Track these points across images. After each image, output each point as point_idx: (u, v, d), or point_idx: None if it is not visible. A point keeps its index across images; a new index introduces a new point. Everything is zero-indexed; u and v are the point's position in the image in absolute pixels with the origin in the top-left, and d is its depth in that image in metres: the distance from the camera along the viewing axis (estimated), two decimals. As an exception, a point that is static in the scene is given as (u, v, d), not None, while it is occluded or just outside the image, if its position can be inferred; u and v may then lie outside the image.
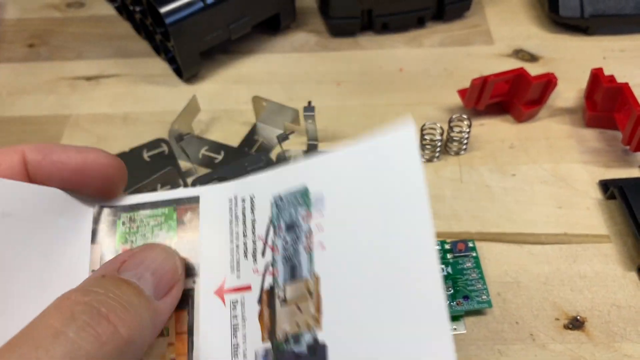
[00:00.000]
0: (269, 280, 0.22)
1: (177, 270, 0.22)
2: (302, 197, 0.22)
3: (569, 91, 0.45)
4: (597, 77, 0.40)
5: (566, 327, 0.32)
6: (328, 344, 0.20)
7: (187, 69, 0.46)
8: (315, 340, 0.20)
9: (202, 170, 0.40)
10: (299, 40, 0.51)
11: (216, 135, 0.43)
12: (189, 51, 0.45)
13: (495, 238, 0.36)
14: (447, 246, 0.35)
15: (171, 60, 0.48)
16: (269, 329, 0.22)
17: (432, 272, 0.19)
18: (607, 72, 0.41)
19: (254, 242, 0.23)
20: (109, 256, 0.24)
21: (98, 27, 0.53)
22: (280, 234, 0.22)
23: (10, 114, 0.46)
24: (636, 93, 0.39)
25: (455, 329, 0.32)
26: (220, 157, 0.41)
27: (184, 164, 0.41)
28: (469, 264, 0.34)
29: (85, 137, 0.44)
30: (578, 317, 0.33)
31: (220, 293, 0.23)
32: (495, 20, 0.51)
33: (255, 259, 0.23)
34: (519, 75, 0.40)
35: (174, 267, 0.22)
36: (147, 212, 0.25)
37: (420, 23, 0.51)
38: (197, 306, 0.23)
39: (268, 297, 0.22)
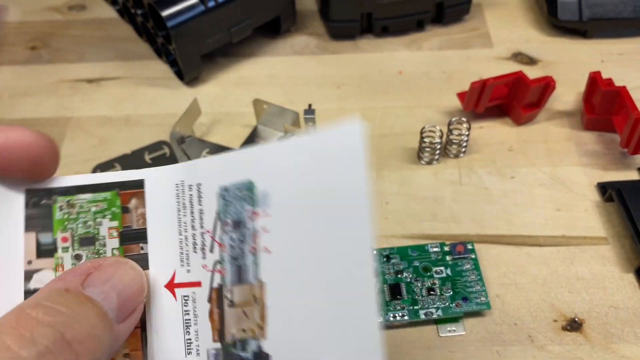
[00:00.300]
0: (217, 279, 0.21)
1: (143, 292, 0.21)
2: (248, 191, 0.21)
3: (568, 94, 0.45)
4: (595, 81, 0.41)
5: (564, 328, 0.33)
6: (272, 354, 0.20)
7: (188, 72, 0.46)
8: (260, 349, 0.20)
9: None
10: (300, 43, 0.51)
11: (217, 137, 0.43)
12: (190, 54, 0.45)
13: (494, 240, 0.37)
14: (446, 248, 0.35)
15: (172, 63, 0.48)
16: (219, 330, 0.21)
17: (366, 283, 0.18)
18: (605, 76, 0.41)
19: (202, 236, 0.22)
20: (46, 246, 0.22)
21: (99, 30, 0.53)
22: (227, 230, 0.21)
23: (12, 116, 0.46)
24: (634, 96, 0.39)
25: (454, 330, 0.33)
26: (221, 160, 0.41)
27: (185, 166, 0.41)
28: (467, 266, 0.35)
29: (86, 139, 0.44)
30: (576, 319, 0.33)
31: (170, 287, 0.22)
32: (494, 24, 0.51)
33: (204, 254, 0.22)
34: (518, 79, 0.41)
35: (140, 289, 0.21)
36: (88, 196, 0.23)
37: (419, 26, 0.51)
38: (148, 299, 0.22)
39: (217, 296, 0.21)
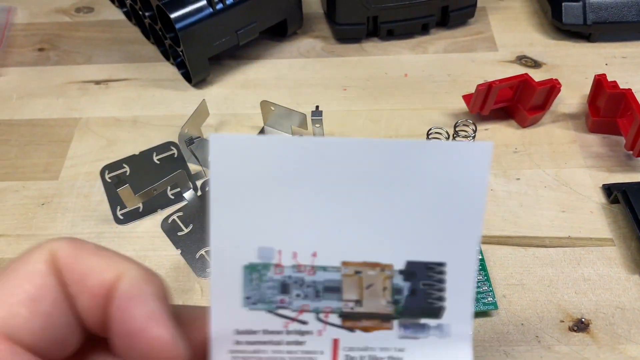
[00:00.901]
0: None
1: None
2: None
3: (572, 97, 0.45)
4: (600, 83, 0.41)
5: (571, 329, 0.33)
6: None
7: (195, 74, 0.47)
8: None
9: (211, 173, 0.41)
10: (306, 46, 0.51)
11: (224, 139, 0.44)
12: (198, 56, 0.45)
13: (500, 241, 0.37)
14: (453, 249, 0.36)
15: (180, 65, 0.48)
16: None
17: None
18: (609, 79, 0.42)
19: None
20: None
21: (107, 32, 0.54)
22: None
23: (21, 117, 0.47)
24: (639, 99, 0.39)
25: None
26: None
27: (193, 167, 0.41)
28: (475, 267, 0.35)
29: (95, 140, 0.44)
30: (583, 319, 0.33)
31: None
32: (498, 27, 0.52)
33: None
34: (524, 81, 0.41)
35: None
36: None
37: (424, 30, 0.51)
38: None
39: None
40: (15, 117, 0.47)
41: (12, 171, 0.43)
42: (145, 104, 0.47)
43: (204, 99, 0.42)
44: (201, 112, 0.42)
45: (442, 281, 0.23)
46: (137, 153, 0.43)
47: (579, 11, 0.48)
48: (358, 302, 0.22)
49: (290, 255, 0.22)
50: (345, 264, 0.22)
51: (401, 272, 0.22)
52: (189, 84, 0.48)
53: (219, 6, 0.44)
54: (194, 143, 0.40)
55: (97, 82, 0.49)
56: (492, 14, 0.53)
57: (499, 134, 0.43)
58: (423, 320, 0.23)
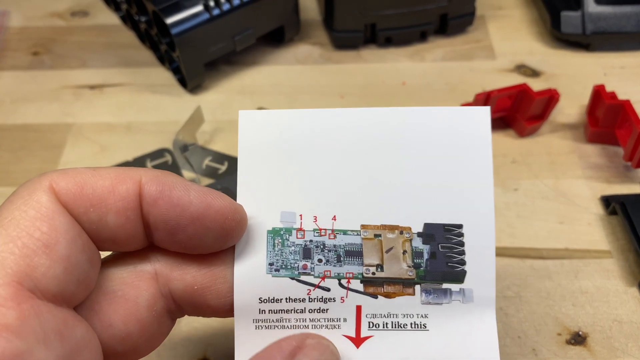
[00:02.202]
0: None
1: None
2: None
3: (571, 107, 0.45)
4: (599, 94, 0.41)
5: (568, 342, 0.33)
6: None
7: (191, 80, 0.46)
8: None
9: (206, 181, 0.40)
10: (303, 53, 0.51)
11: (220, 145, 0.43)
12: (194, 62, 0.45)
13: (497, 252, 0.36)
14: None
15: (175, 71, 0.48)
16: None
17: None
18: (607, 89, 0.41)
19: None
20: None
21: (102, 36, 0.53)
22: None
23: (13, 122, 0.46)
24: (637, 110, 0.39)
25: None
26: (224, 168, 0.41)
27: (187, 174, 0.41)
28: (471, 278, 0.34)
29: (88, 146, 0.44)
30: (580, 333, 0.33)
31: None
32: (497, 36, 0.52)
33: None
34: (522, 91, 0.41)
35: None
36: None
37: (423, 37, 0.51)
38: None
39: None
40: (7, 122, 0.46)
41: (3, 177, 0.42)
42: (140, 109, 0.47)
43: (199, 106, 0.42)
44: (196, 118, 0.42)
45: (461, 244, 0.23)
46: (130, 159, 0.42)
47: (577, 21, 0.48)
48: (379, 266, 0.23)
49: (311, 219, 0.23)
50: (364, 226, 0.23)
51: (419, 234, 0.23)
52: (185, 89, 0.48)
53: (216, 12, 0.44)
54: (189, 150, 0.40)
55: (92, 87, 0.49)
56: (491, 23, 0.53)
57: (497, 144, 0.43)
58: (445, 286, 0.23)
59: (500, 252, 0.37)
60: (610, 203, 0.38)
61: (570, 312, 0.34)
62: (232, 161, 0.41)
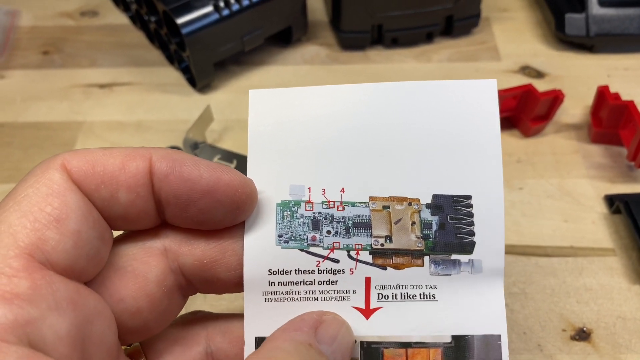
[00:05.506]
0: None
1: (352, 350, 0.22)
2: None
3: (575, 107, 0.46)
4: (603, 95, 0.41)
5: (573, 338, 0.33)
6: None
7: (200, 79, 0.47)
8: None
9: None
10: (310, 53, 0.51)
11: (229, 144, 0.44)
12: (203, 61, 0.46)
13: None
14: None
15: (185, 70, 0.49)
16: None
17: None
18: (611, 90, 0.42)
19: None
20: None
21: (111, 36, 0.54)
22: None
23: (24, 120, 0.47)
24: (641, 111, 0.40)
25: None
26: (233, 166, 0.42)
27: (197, 172, 0.41)
28: (477, 275, 0.35)
29: (98, 144, 0.44)
30: (584, 329, 0.33)
31: None
32: (502, 38, 0.52)
33: None
34: (527, 91, 0.41)
35: (352, 347, 0.22)
36: None
37: (429, 38, 0.52)
38: None
39: None
40: (19, 120, 0.47)
41: (15, 174, 0.43)
42: (149, 108, 0.47)
43: (209, 105, 0.42)
44: (206, 117, 0.42)
45: (470, 215, 0.23)
46: (141, 157, 0.43)
47: (581, 23, 0.48)
48: (388, 237, 0.23)
49: (320, 191, 0.23)
50: (372, 198, 0.23)
51: (428, 206, 0.23)
52: (194, 88, 0.48)
53: (225, 12, 0.44)
54: (199, 148, 0.40)
55: (101, 86, 0.49)
56: (496, 24, 0.54)
57: (502, 144, 0.43)
58: (454, 256, 0.23)
59: (506, 250, 0.37)
60: (614, 202, 0.39)
61: (575, 309, 0.34)
62: (241, 159, 0.42)
